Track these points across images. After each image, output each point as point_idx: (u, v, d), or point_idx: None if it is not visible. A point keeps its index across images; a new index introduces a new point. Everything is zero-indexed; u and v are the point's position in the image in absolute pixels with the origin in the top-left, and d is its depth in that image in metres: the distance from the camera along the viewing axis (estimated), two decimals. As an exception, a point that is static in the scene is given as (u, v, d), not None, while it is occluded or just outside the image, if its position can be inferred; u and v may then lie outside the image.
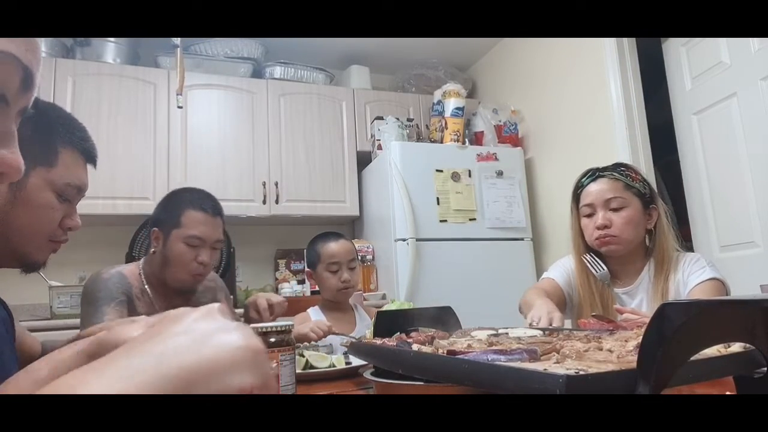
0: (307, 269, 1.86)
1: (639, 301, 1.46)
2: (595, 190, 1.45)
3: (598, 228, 1.42)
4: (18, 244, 0.86)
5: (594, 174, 1.49)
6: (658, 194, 1.53)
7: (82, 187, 0.95)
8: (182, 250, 1.45)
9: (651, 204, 1.45)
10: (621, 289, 1.47)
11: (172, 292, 1.51)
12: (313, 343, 1.45)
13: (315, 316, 1.75)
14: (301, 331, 1.45)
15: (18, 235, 0.85)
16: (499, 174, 3.04)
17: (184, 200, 1.50)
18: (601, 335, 0.79)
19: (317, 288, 1.85)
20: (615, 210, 1.42)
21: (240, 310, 1.72)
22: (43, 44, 2.80)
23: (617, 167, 1.49)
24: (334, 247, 1.75)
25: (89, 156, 0.98)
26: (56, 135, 0.91)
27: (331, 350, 1.44)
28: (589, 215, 1.46)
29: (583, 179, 1.51)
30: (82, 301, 1.42)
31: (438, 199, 2.90)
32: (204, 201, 1.50)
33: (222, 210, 1.55)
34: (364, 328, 1.67)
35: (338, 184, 3.26)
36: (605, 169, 1.49)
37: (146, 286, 1.49)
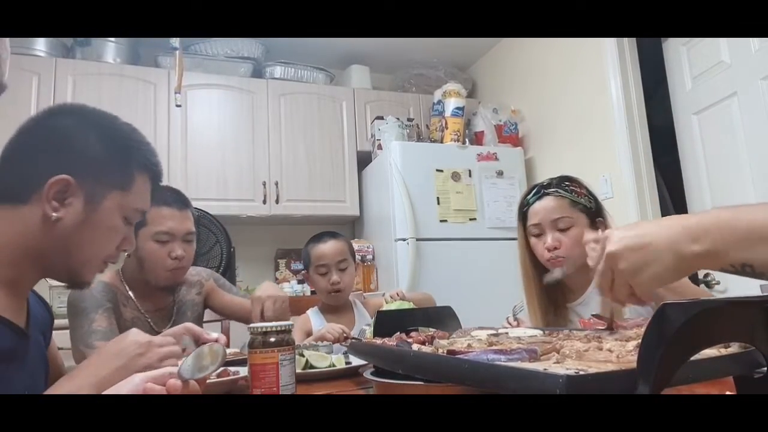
0: (303, 271, 1.84)
1: (593, 311, 1.43)
2: (542, 208, 1.42)
3: (548, 249, 1.39)
4: (76, 262, 0.86)
5: (539, 191, 1.45)
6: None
7: (146, 211, 0.95)
8: (153, 248, 1.42)
9: (597, 217, 1.43)
10: (575, 303, 1.45)
11: (156, 291, 1.49)
12: (313, 342, 1.45)
13: (314, 317, 1.75)
14: (319, 332, 1.45)
15: (80, 253, 0.85)
16: (499, 174, 3.04)
17: None
18: (601, 335, 0.79)
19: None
20: (563, 230, 1.39)
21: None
22: (43, 44, 2.83)
23: (561, 182, 1.45)
24: (322, 248, 1.71)
25: (158, 179, 0.97)
26: (133, 159, 0.90)
27: (331, 350, 1.44)
28: (538, 235, 1.43)
29: (529, 197, 1.47)
30: (69, 313, 1.40)
31: (438, 198, 2.89)
32: (167, 195, 1.46)
33: (189, 202, 1.51)
34: (362, 324, 1.66)
35: (338, 184, 3.26)
36: (550, 185, 1.45)
37: (129, 292, 1.47)
